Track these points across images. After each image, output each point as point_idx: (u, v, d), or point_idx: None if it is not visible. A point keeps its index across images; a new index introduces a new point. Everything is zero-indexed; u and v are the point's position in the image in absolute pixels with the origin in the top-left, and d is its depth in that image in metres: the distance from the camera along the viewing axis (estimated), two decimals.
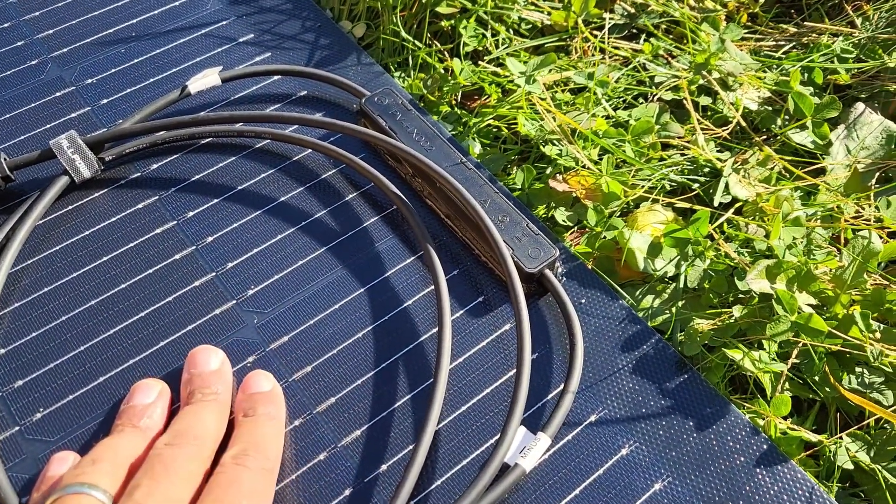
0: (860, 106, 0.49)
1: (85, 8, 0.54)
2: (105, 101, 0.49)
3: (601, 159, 0.46)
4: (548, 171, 0.47)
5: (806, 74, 0.51)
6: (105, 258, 0.42)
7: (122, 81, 0.50)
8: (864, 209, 0.45)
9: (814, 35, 0.54)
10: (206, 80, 0.48)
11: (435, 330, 0.39)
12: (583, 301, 0.41)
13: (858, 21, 0.54)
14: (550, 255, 0.40)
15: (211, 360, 0.36)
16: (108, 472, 0.30)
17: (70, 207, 0.44)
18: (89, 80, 0.50)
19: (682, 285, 0.42)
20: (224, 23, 0.54)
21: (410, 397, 0.37)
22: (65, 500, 0.29)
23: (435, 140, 0.44)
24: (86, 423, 0.36)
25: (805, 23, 0.55)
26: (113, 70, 0.51)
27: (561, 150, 0.47)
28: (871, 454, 0.36)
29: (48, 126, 0.48)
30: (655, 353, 0.39)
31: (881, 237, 0.42)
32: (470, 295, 0.41)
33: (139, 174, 0.46)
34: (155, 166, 0.46)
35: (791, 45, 0.54)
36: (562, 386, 0.37)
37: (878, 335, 0.39)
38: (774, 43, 0.55)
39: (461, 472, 0.35)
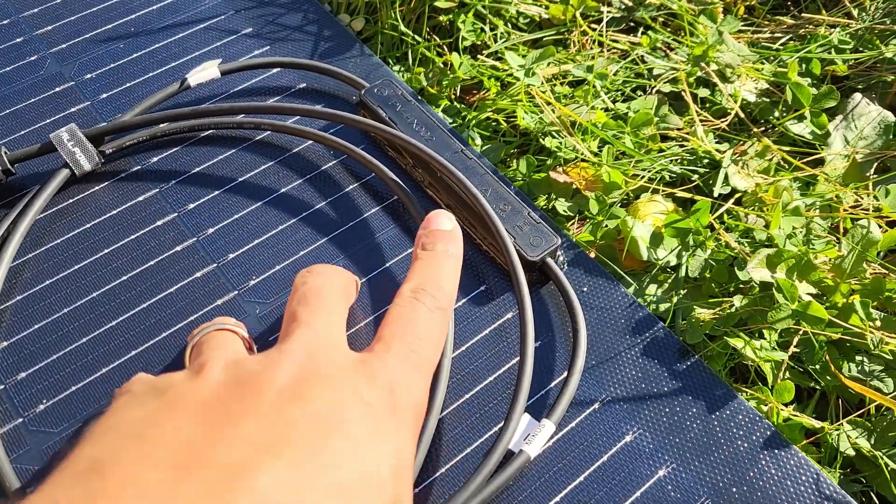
0: (858, 96, 0.49)
1: (83, 4, 0.54)
2: (105, 95, 0.49)
3: (601, 151, 0.47)
4: (548, 163, 0.47)
5: (804, 65, 0.51)
6: (106, 250, 0.42)
7: (121, 76, 0.50)
8: (862, 199, 0.45)
9: (811, 26, 0.54)
10: (205, 72, 0.48)
11: None
12: (585, 289, 0.41)
13: (855, 12, 0.54)
14: (552, 244, 0.40)
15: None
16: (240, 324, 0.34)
17: (71, 200, 0.44)
18: (89, 75, 0.50)
19: (683, 274, 0.42)
20: (222, 17, 0.54)
21: None
22: (209, 335, 0.32)
23: (435, 130, 0.44)
24: (89, 413, 0.36)
25: (802, 14, 0.56)
26: (112, 65, 0.51)
27: (561, 143, 0.47)
28: (872, 441, 0.37)
29: (48, 121, 0.48)
30: (658, 341, 0.39)
31: (880, 226, 0.42)
32: (472, 284, 0.41)
33: (139, 167, 0.46)
34: (155, 159, 0.46)
35: (788, 36, 0.54)
36: (565, 373, 0.37)
37: (877, 323, 0.39)
38: (771, 35, 0.55)
39: (465, 460, 0.35)
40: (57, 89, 0.49)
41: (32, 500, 0.21)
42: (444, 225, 0.35)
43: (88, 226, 0.43)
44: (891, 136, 0.48)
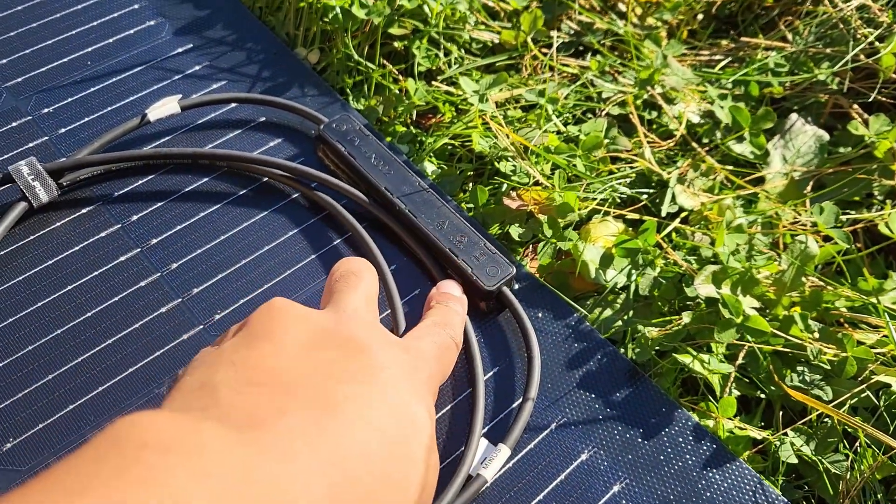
0: (794, 117, 0.52)
1: (39, 37, 0.55)
2: (63, 130, 0.49)
3: (554, 174, 0.48)
4: (503, 188, 0.49)
5: (742, 87, 0.53)
6: (70, 287, 0.42)
7: (79, 110, 0.51)
8: (800, 215, 0.47)
9: (749, 49, 0.57)
10: (165, 107, 0.49)
11: None
12: (539, 315, 0.43)
13: (790, 36, 0.57)
14: (508, 273, 0.41)
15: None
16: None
17: (32, 237, 0.44)
18: (46, 110, 0.51)
19: (633, 293, 0.44)
20: (180, 50, 0.55)
21: None
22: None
23: (393, 164, 0.46)
24: (58, 450, 0.37)
25: (741, 38, 0.58)
26: (70, 99, 0.51)
27: (515, 167, 0.49)
28: (813, 447, 0.39)
29: (6, 156, 0.48)
30: (609, 363, 0.41)
31: (817, 241, 0.44)
32: None
33: (100, 202, 0.46)
34: (116, 193, 0.47)
35: (729, 59, 0.57)
36: (520, 399, 0.39)
37: (816, 335, 0.41)
38: (713, 57, 0.57)
39: None
40: (13, 124, 0.50)
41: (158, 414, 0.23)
42: (453, 291, 0.41)
43: (50, 262, 0.43)
44: (825, 155, 0.50)
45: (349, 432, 0.25)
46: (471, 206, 0.48)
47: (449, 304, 0.40)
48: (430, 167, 0.50)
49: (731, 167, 0.50)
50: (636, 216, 0.48)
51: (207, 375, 0.27)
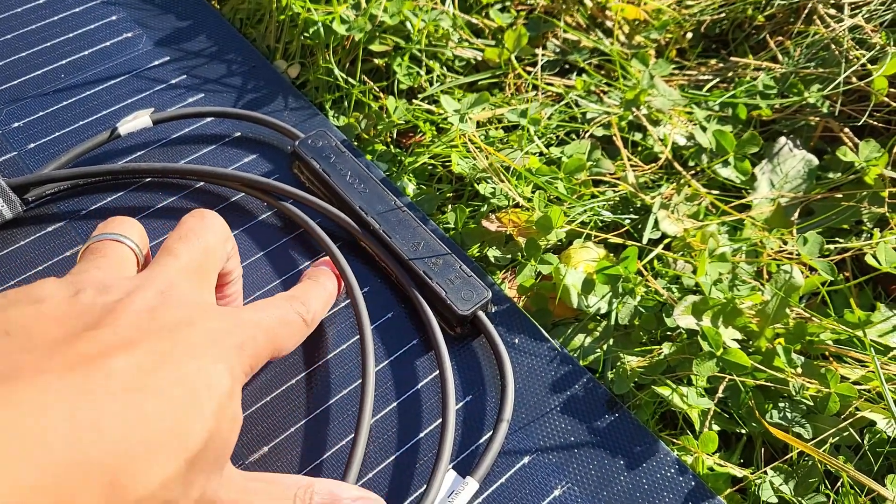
0: (782, 140, 0.51)
1: (10, 49, 0.53)
2: (33, 144, 0.48)
3: (534, 196, 0.47)
4: (482, 210, 0.47)
5: (730, 109, 0.52)
6: None
7: (50, 124, 0.49)
8: (786, 243, 0.46)
9: (739, 69, 0.56)
10: (136, 121, 0.48)
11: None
12: (516, 341, 0.41)
13: (780, 56, 0.55)
14: (483, 297, 0.40)
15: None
16: (140, 232, 0.34)
17: None
18: (16, 124, 0.49)
19: (613, 322, 0.43)
20: (156, 63, 0.54)
21: (338, 448, 0.37)
22: (100, 245, 0.33)
23: (369, 182, 0.45)
24: None
25: (731, 57, 0.57)
26: (41, 113, 0.50)
27: (494, 189, 0.48)
28: (794, 487, 0.37)
29: None
30: (586, 393, 0.39)
31: (802, 271, 0.43)
32: (405, 338, 0.41)
33: (68, 219, 0.45)
34: (84, 210, 0.45)
35: (718, 79, 0.56)
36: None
37: (799, 369, 0.40)
38: (701, 77, 0.56)
39: None
40: None
41: None
42: (327, 272, 0.40)
43: (13, 282, 0.42)
44: (814, 180, 0.49)
45: (112, 394, 0.24)
46: (449, 226, 0.47)
47: (319, 278, 0.39)
48: (409, 186, 0.49)
49: (717, 192, 0.49)
50: (619, 240, 0.47)
51: None
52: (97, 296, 0.28)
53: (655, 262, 0.46)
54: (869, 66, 0.51)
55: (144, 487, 0.24)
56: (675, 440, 0.39)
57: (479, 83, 0.56)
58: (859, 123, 0.51)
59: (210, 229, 0.34)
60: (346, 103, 0.53)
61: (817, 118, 0.52)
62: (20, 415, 0.22)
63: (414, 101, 0.53)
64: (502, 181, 0.48)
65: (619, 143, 0.50)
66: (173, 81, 0.52)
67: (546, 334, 0.42)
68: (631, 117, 0.52)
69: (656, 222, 0.47)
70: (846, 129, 0.52)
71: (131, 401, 0.25)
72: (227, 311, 0.31)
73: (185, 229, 0.34)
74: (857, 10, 0.54)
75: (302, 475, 0.34)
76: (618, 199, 0.49)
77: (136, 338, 0.27)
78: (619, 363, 0.41)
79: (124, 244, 0.33)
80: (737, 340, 0.41)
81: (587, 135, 0.52)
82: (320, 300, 0.38)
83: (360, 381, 0.38)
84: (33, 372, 0.24)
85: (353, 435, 0.36)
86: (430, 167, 0.51)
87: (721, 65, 0.57)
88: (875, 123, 0.51)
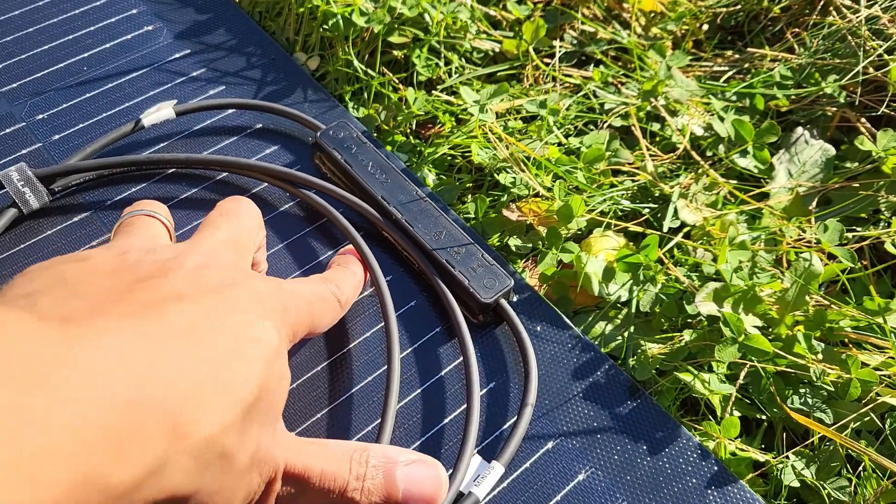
0: (800, 130, 0.51)
1: (34, 42, 0.54)
2: (57, 136, 0.49)
3: (554, 185, 0.47)
4: (502, 199, 0.48)
5: (748, 100, 0.52)
6: None
7: (74, 116, 0.50)
8: (805, 232, 0.46)
9: (755, 60, 0.56)
10: (159, 113, 0.48)
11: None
12: (538, 329, 0.42)
13: (797, 48, 0.56)
14: (505, 286, 0.41)
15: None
16: (166, 211, 0.36)
17: (22, 245, 0.44)
18: (40, 116, 0.50)
19: (634, 309, 0.43)
20: (177, 56, 0.54)
21: (364, 433, 0.38)
22: (134, 219, 0.34)
23: (390, 172, 0.45)
24: None
25: (747, 48, 0.57)
26: (64, 105, 0.50)
27: (514, 178, 0.48)
28: (815, 471, 0.38)
29: None
30: (608, 380, 0.40)
31: (821, 259, 0.43)
32: (428, 326, 0.41)
33: (93, 209, 0.45)
34: (109, 200, 0.46)
35: (734, 70, 0.56)
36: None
37: (819, 355, 0.40)
38: (718, 69, 0.56)
39: None
40: (7, 130, 0.49)
41: None
42: (354, 260, 0.41)
43: None
44: (831, 170, 0.49)
45: (168, 338, 0.25)
46: (469, 216, 0.47)
47: (349, 266, 0.40)
48: (429, 177, 0.49)
49: (735, 181, 0.49)
50: (638, 230, 0.47)
51: (26, 286, 0.26)
52: (144, 255, 0.29)
53: (675, 250, 0.46)
54: (886, 56, 0.51)
55: (205, 430, 0.24)
56: (696, 426, 0.39)
57: (498, 75, 0.56)
58: (877, 114, 0.51)
59: (247, 212, 0.35)
60: (365, 95, 0.54)
61: (834, 108, 0.52)
62: (81, 353, 0.22)
63: (433, 92, 0.54)
64: (522, 171, 0.48)
65: (638, 133, 0.50)
66: (194, 74, 0.53)
67: (568, 322, 0.42)
68: (649, 108, 0.53)
69: (676, 211, 0.47)
70: (863, 119, 0.52)
71: (186, 346, 0.25)
72: (270, 278, 0.32)
73: (225, 208, 0.35)
74: (874, 1, 0.55)
75: (355, 440, 0.34)
76: (636, 188, 0.49)
77: (189, 291, 0.27)
78: (640, 350, 0.41)
79: (156, 218, 0.34)
80: (757, 327, 0.41)
81: (605, 125, 0.52)
82: (350, 285, 0.38)
83: (386, 367, 0.38)
84: (91, 314, 0.24)
85: (379, 420, 0.37)
86: (449, 158, 0.51)
87: (737, 56, 0.57)
88: (892, 113, 0.52)
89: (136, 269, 0.28)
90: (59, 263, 0.27)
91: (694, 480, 0.36)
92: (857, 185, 0.48)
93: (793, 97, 0.53)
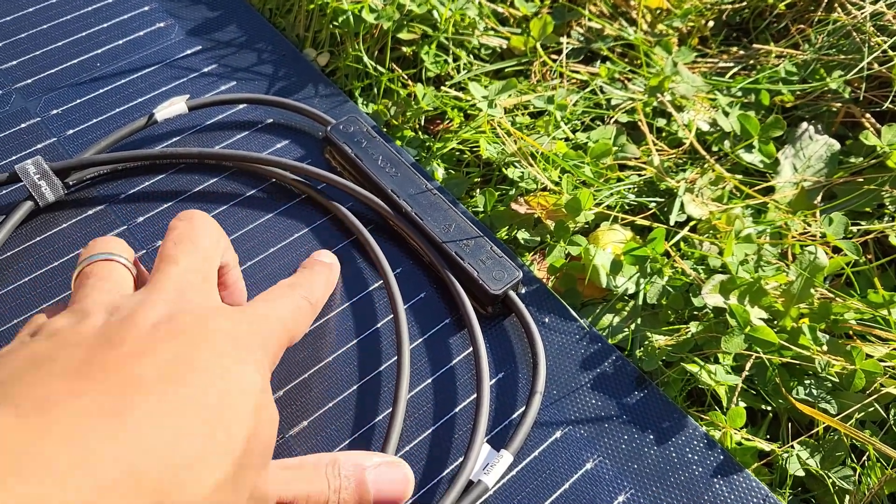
0: (805, 125, 0.51)
1: (48, 39, 0.55)
2: (71, 131, 0.50)
3: (561, 180, 0.48)
4: (511, 193, 0.48)
5: (753, 96, 0.53)
6: None
7: (87, 112, 0.51)
8: (810, 226, 0.47)
9: (760, 56, 0.57)
10: (172, 108, 0.49)
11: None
12: (546, 321, 0.42)
13: (802, 44, 0.56)
14: (514, 277, 0.41)
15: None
16: (123, 245, 0.34)
17: (38, 238, 0.44)
18: (55, 111, 0.51)
19: (641, 302, 0.43)
20: (189, 52, 0.55)
21: (375, 422, 0.38)
22: (93, 267, 0.32)
23: (400, 166, 0.46)
24: None
25: (753, 45, 0.58)
26: (78, 100, 0.51)
27: (522, 173, 0.49)
28: (820, 460, 0.38)
29: (15, 157, 0.48)
30: (615, 371, 0.40)
31: (826, 252, 0.44)
32: (438, 317, 0.42)
33: (107, 203, 0.46)
34: (123, 194, 0.47)
35: (740, 66, 0.56)
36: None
37: (824, 347, 0.41)
38: (724, 65, 0.57)
39: (429, 492, 0.36)
40: (22, 125, 0.50)
41: None
42: (324, 258, 0.41)
43: (56, 264, 0.43)
44: (836, 164, 0.50)
45: (148, 408, 0.24)
46: (478, 209, 0.48)
47: (315, 267, 0.40)
48: (438, 171, 0.50)
49: (740, 176, 0.50)
50: (645, 223, 0.48)
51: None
52: (109, 316, 0.28)
53: (682, 243, 0.47)
54: (890, 52, 0.52)
55: (196, 494, 0.24)
56: (702, 416, 0.40)
57: (505, 71, 0.57)
58: (881, 109, 0.52)
59: (201, 230, 0.34)
60: (374, 90, 0.55)
61: (839, 104, 0.53)
62: (62, 440, 0.22)
63: (442, 88, 0.54)
64: (530, 165, 0.48)
65: (645, 129, 0.51)
66: (206, 70, 0.54)
67: (575, 314, 0.43)
68: (655, 103, 0.53)
69: (682, 205, 0.48)
70: (867, 115, 0.52)
71: (168, 412, 0.25)
72: (240, 309, 0.31)
73: (178, 235, 0.33)
74: None
75: (323, 452, 0.34)
76: (643, 183, 0.50)
77: (159, 345, 0.27)
78: (647, 341, 0.42)
79: (116, 261, 0.33)
80: (763, 319, 0.42)
81: (612, 120, 0.53)
82: (319, 285, 0.38)
83: (396, 357, 0.39)
84: (67, 396, 0.24)
85: (390, 409, 0.37)
86: (458, 153, 0.52)
87: (743, 52, 0.58)
88: None
89: (103, 335, 0.27)
90: (31, 343, 0.27)
91: (700, 469, 0.37)
92: (862, 179, 0.49)
93: (798, 93, 0.54)
